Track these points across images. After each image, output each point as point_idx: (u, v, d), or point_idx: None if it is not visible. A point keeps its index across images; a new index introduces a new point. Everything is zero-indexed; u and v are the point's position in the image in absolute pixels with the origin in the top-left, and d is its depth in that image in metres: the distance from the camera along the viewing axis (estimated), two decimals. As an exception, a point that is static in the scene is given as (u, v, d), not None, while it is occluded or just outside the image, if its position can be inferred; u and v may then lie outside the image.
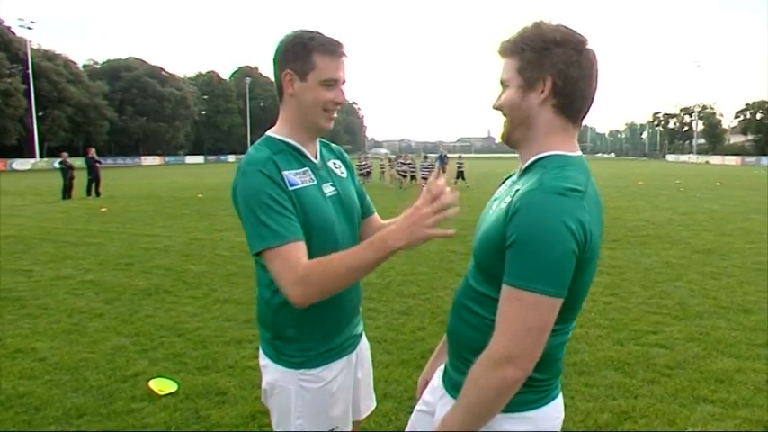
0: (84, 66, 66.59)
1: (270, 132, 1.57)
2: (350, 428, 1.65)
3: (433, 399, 1.45)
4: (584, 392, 3.38)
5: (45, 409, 3.24)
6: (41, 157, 50.27)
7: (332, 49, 1.46)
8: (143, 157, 63.32)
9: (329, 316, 1.55)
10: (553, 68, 1.20)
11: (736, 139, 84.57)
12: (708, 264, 7.21)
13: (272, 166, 1.43)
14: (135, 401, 3.32)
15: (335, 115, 1.54)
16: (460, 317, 1.32)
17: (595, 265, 1.24)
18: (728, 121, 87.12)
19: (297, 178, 1.47)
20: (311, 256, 1.37)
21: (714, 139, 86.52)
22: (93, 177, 18.28)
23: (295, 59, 1.46)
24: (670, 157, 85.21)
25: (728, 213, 12.93)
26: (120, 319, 4.97)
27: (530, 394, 1.24)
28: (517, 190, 1.19)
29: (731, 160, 63.16)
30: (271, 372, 1.57)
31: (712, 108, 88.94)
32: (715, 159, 67.26)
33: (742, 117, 78.51)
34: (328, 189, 1.55)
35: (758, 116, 75.48)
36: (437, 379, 1.46)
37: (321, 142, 1.66)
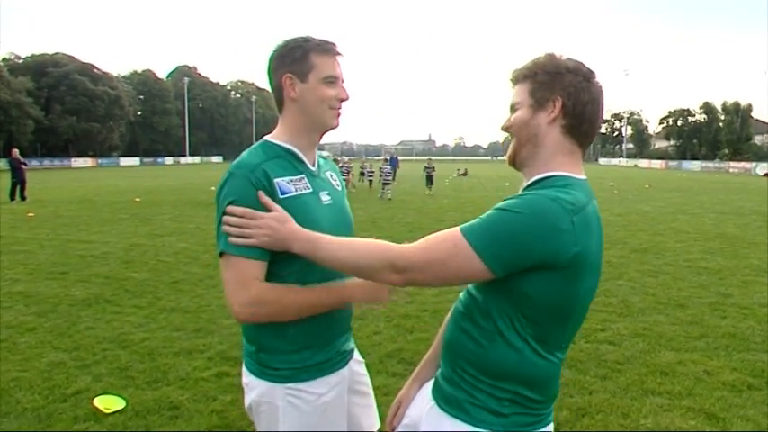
0: (5, 60, 62.13)
1: (268, 137, 1.54)
2: None
3: (418, 411, 1.42)
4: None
5: (-27, 436, 2.95)
6: (-44, 158, 46.34)
7: (327, 47, 1.48)
8: (73, 159, 59.69)
9: (318, 329, 1.48)
10: (564, 90, 1.24)
11: (661, 144, 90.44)
12: (645, 262, 7.63)
13: (261, 173, 1.39)
14: (78, 422, 3.08)
15: (342, 112, 1.53)
16: (463, 329, 1.29)
17: (588, 286, 1.25)
18: (654, 127, 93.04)
19: (291, 186, 1.44)
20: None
21: (641, 143, 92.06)
22: (18, 180, 17.00)
23: (293, 62, 1.45)
24: (602, 161, 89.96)
25: (659, 214, 13.76)
26: (56, 332, 4.62)
27: (526, 416, 1.25)
28: None
29: (657, 164, 67.49)
30: (255, 388, 1.47)
31: (639, 114, 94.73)
32: (642, 163, 71.63)
33: (665, 123, 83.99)
34: (325, 197, 1.53)
35: (679, 122, 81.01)
36: (425, 393, 1.42)
37: (319, 156, 1.64)
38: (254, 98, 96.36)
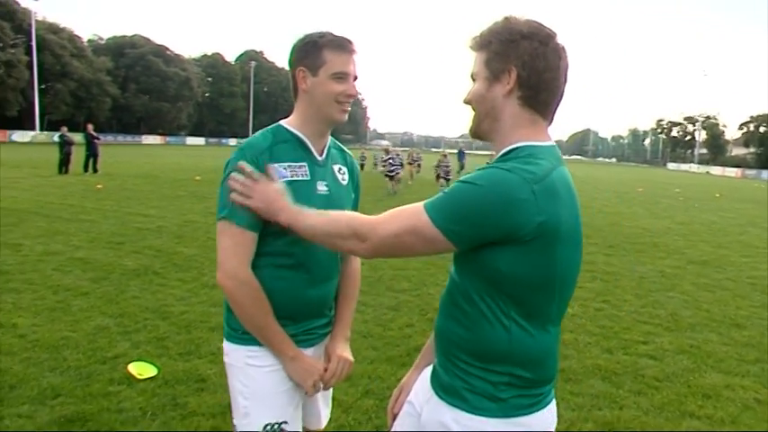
0: (90, 41, 66.09)
1: (281, 122, 1.62)
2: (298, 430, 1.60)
3: (419, 400, 1.41)
4: (569, 401, 3.33)
5: (20, 388, 3.17)
6: (41, 130, 49.91)
7: (341, 44, 1.53)
8: (144, 136, 62.98)
9: (288, 304, 1.56)
10: (518, 60, 1.20)
11: (738, 151, 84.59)
12: (702, 275, 7.17)
13: (266, 156, 1.51)
14: (113, 384, 3.26)
15: (349, 108, 1.57)
16: (450, 315, 1.29)
17: (565, 257, 1.21)
18: (731, 133, 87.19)
19: (287, 171, 1.54)
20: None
21: (716, 149, 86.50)
22: (92, 153, 18.15)
23: (306, 57, 1.53)
24: (671, 166, 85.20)
25: (726, 225, 12.89)
26: (105, 298, 4.90)
27: (525, 399, 1.23)
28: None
29: (732, 172, 63.16)
30: (225, 351, 1.61)
31: (716, 118, 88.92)
32: (715, 170, 67.26)
33: (745, 129, 78.47)
34: (321, 187, 1.59)
35: (762, 129, 75.42)
36: (425, 381, 1.41)
37: (337, 147, 1.72)
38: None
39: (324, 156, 1.64)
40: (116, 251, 6.78)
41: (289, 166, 1.54)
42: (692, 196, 22.39)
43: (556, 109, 1.27)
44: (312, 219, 1.37)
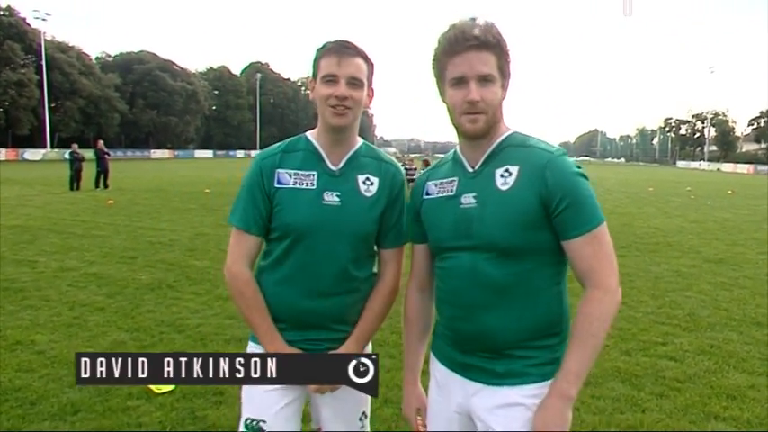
0: (97, 58, 67.00)
1: (307, 132, 1.68)
2: (284, 430, 1.60)
3: (462, 400, 1.46)
4: (590, 404, 3.29)
5: (40, 404, 3.19)
6: (52, 147, 50.60)
7: (334, 48, 1.55)
8: (153, 151, 63.64)
9: (283, 310, 1.62)
10: (510, 68, 1.39)
11: (749, 147, 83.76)
12: (719, 274, 7.07)
13: (271, 161, 1.59)
14: (131, 399, 3.27)
15: (343, 111, 1.54)
16: (491, 312, 1.38)
17: None
18: (741, 129, 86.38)
19: (291, 178, 1.58)
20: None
21: (726, 146, 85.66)
22: (102, 169, 18.35)
23: (313, 67, 1.59)
24: (681, 164, 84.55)
25: (740, 222, 12.73)
26: (121, 313, 4.93)
27: (552, 366, 1.39)
28: (506, 169, 1.37)
29: (743, 168, 62.50)
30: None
31: (725, 115, 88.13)
32: (726, 167, 66.60)
33: (756, 125, 77.78)
34: (330, 197, 1.58)
35: (772, 124, 74.66)
36: (454, 383, 1.48)
37: (372, 156, 1.66)
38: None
39: (341, 165, 1.62)
40: (129, 266, 6.82)
41: (295, 173, 1.58)
42: (704, 194, 22.16)
43: None
44: (591, 343, 1.34)
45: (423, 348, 1.63)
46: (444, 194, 1.47)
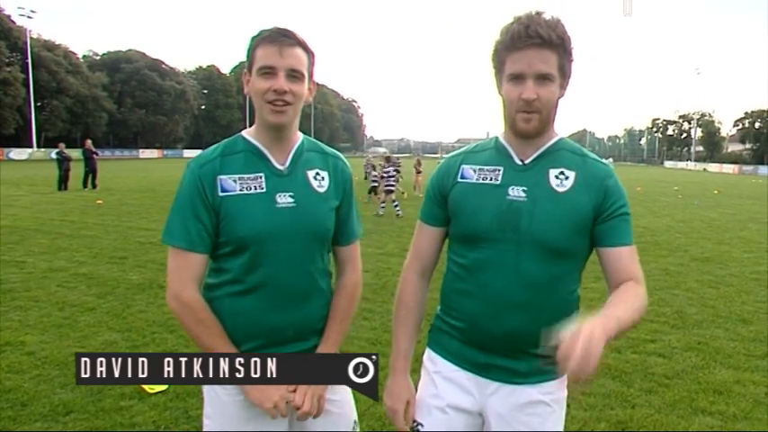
0: (85, 56, 66.27)
1: (243, 131, 1.52)
2: None
3: (475, 399, 1.45)
4: (580, 401, 3.33)
5: (31, 405, 3.17)
6: (39, 147, 49.99)
7: (271, 37, 1.39)
8: (141, 150, 63.12)
9: (250, 329, 1.45)
10: (572, 68, 1.36)
11: (734, 148, 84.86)
12: (706, 272, 7.18)
13: (210, 167, 1.42)
14: (124, 399, 3.26)
15: (283, 108, 1.40)
16: (525, 311, 1.36)
17: None
18: (727, 129, 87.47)
19: (236, 184, 1.42)
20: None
21: (712, 146, 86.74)
22: (90, 169, 18.16)
23: (247, 58, 1.43)
24: (668, 164, 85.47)
25: (726, 222, 12.93)
26: (112, 313, 4.90)
27: None
28: (562, 171, 1.38)
29: (729, 168, 63.34)
30: None
31: (711, 115, 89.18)
32: (713, 167, 67.45)
33: (740, 125, 78.78)
34: (283, 199, 1.44)
35: (757, 125, 75.74)
36: (469, 382, 1.45)
37: (316, 150, 1.55)
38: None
39: (288, 163, 1.48)
40: (120, 266, 6.78)
41: (240, 177, 1.42)
42: (691, 194, 22.45)
43: None
44: (630, 314, 1.25)
45: (416, 337, 1.55)
46: (487, 181, 1.40)
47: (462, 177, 1.43)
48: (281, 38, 1.38)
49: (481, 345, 1.41)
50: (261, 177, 1.43)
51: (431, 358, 1.53)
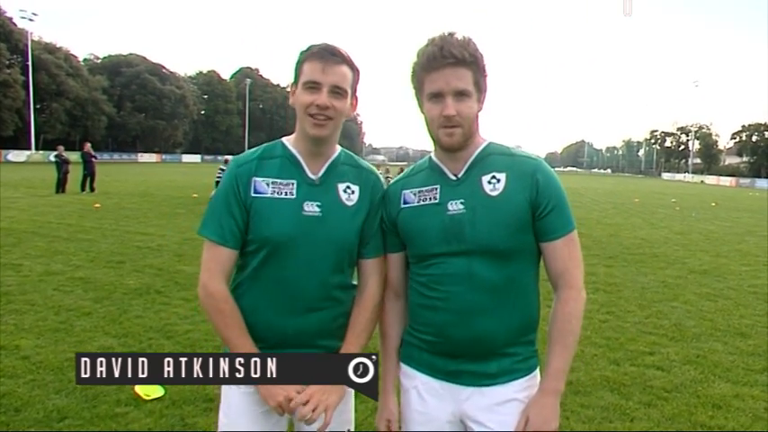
0: (85, 60, 66.39)
1: (283, 138, 1.61)
2: None
3: (452, 406, 1.48)
4: (579, 413, 3.32)
5: (25, 411, 3.14)
6: (37, 149, 49.87)
7: (319, 54, 1.47)
8: (140, 154, 63.05)
9: (264, 329, 1.52)
10: (486, 83, 1.44)
11: (732, 161, 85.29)
12: (704, 285, 7.18)
13: (247, 168, 1.51)
14: (119, 405, 3.23)
15: (324, 122, 1.47)
16: (497, 310, 1.42)
17: None
18: (724, 142, 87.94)
19: (268, 187, 1.50)
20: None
21: (710, 159, 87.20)
22: (89, 172, 18.13)
23: (294, 72, 1.52)
24: (666, 176, 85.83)
25: (724, 234, 12.95)
26: (108, 318, 4.87)
27: (534, 359, 1.51)
28: (493, 176, 1.43)
29: (726, 181, 63.62)
30: None
31: (709, 128, 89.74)
32: (710, 179, 67.76)
33: (738, 138, 79.19)
34: (310, 208, 1.50)
35: (754, 138, 76.18)
36: (443, 391, 1.48)
37: (351, 164, 1.60)
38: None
39: (321, 174, 1.54)
40: (117, 270, 6.75)
41: (273, 182, 1.49)
42: (689, 206, 22.50)
43: None
44: (571, 340, 1.44)
45: (397, 356, 1.60)
46: (427, 202, 1.47)
47: (405, 203, 1.52)
48: (328, 55, 1.46)
49: (451, 353, 1.46)
50: (293, 184, 1.50)
51: (405, 373, 1.58)
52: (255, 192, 1.48)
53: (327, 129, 1.48)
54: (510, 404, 1.44)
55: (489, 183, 1.43)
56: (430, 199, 1.47)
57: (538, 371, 1.50)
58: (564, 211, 1.45)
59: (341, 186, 1.55)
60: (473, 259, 1.41)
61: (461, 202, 1.43)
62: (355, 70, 1.52)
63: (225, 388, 1.54)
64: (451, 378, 1.47)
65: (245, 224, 1.49)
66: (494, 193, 1.42)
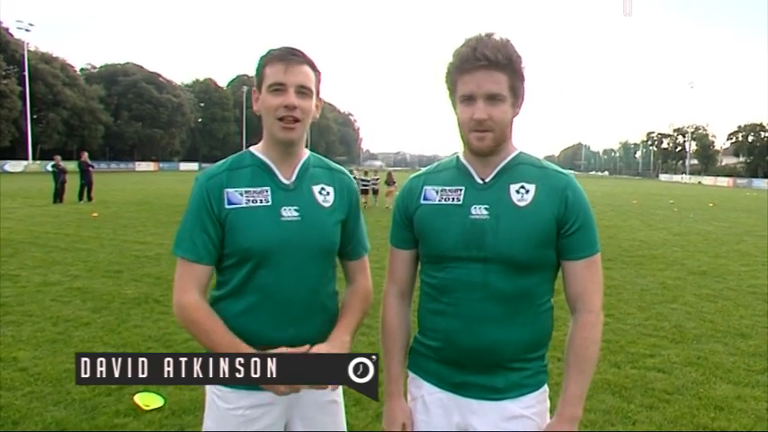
0: (82, 69, 66.40)
1: (251, 147, 1.58)
2: None
3: (459, 419, 1.45)
4: (581, 418, 3.29)
5: (24, 423, 3.11)
6: (34, 159, 49.76)
7: (279, 55, 1.44)
8: (137, 163, 63.00)
9: (253, 341, 1.44)
10: (524, 87, 1.39)
11: (729, 161, 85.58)
12: (703, 286, 7.18)
13: (218, 180, 1.47)
14: (119, 416, 3.21)
15: (293, 125, 1.44)
16: (509, 323, 1.39)
17: None
18: (721, 143, 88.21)
19: (242, 196, 1.46)
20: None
21: (706, 159, 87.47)
22: (86, 182, 18.11)
23: (256, 76, 1.48)
24: (663, 177, 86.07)
25: (722, 235, 12.97)
26: (107, 328, 4.85)
27: (543, 374, 1.48)
28: (522, 186, 1.39)
29: (723, 181, 63.80)
30: None
31: (705, 129, 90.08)
32: (707, 180, 67.95)
33: (734, 139, 79.48)
34: (289, 212, 1.47)
35: (750, 138, 76.45)
36: (449, 402, 1.46)
37: (322, 165, 1.59)
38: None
39: (294, 178, 1.52)
40: (115, 280, 6.72)
41: (246, 191, 1.46)
42: (687, 207, 22.55)
43: None
44: (590, 366, 1.42)
45: (405, 358, 1.56)
46: (449, 202, 1.42)
47: (425, 199, 1.47)
48: (289, 56, 1.43)
49: (457, 362, 1.43)
50: (267, 191, 1.47)
51: (413, 381, 1.55)
52: (229, 203, 1.44)
53: (296, 132, 1.46)
54: (518, 420, 1.41)
55: (518, 192, 1.39)
56: (453, 199, 1.42)
57: (546, 386, 1.47)
58: (590, 232, 1.41)
59: (316, 188, 1.53)
60: (490, 268, 1.37)
61: (486, 208, 1.39)
62: (317, 71, 1.49)
63: (212, 401, 1.52)
64: (458, 390, 1.44)
65: (219, 239, 1.46)
66: (521, 204, 1.38)
